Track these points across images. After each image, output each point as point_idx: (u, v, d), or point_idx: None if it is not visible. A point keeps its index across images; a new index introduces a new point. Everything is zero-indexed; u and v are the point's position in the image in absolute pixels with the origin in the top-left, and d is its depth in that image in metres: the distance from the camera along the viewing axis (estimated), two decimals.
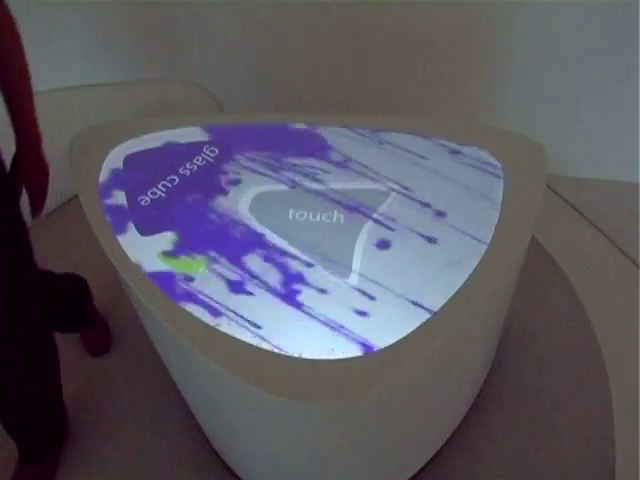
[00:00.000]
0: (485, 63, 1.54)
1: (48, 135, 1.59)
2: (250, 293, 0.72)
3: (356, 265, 0.74)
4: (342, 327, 0.67)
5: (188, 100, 1.78)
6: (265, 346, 0.65)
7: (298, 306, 0.70)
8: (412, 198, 0.84)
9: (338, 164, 0.90)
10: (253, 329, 0.68)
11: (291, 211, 0.83)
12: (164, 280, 0.73)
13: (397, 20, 1.51)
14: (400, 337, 0.65)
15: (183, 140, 0.96)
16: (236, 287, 0.73)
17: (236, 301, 0.71)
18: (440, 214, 0.81)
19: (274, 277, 0.74)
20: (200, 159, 0.93)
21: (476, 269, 0.71)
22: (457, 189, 0.84)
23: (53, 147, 1.56)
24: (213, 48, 1.70)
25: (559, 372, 1.13)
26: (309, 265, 0.75)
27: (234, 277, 0.74)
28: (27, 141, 0.78)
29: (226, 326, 0.68)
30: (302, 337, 0.67)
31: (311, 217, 0.82)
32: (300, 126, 0.97)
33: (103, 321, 1.25)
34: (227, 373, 0.63)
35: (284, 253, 0.77)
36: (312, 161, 0.91)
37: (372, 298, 0.70)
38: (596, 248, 1.44)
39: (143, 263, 0.75)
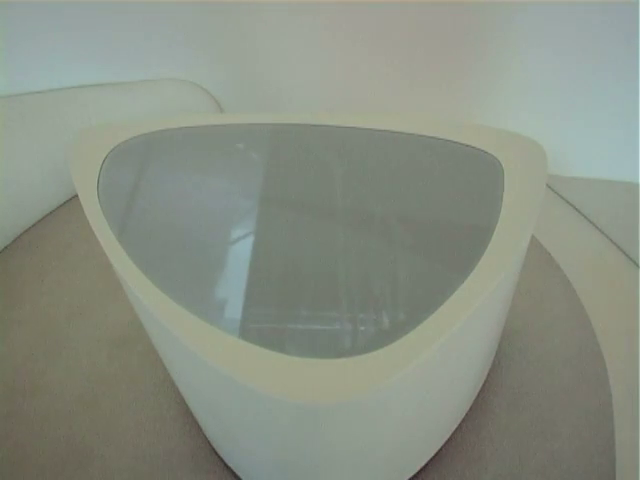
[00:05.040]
0: (485, 63, 1.54)
1: (48, 135, 1.60)
2: (250, 292, 0.72)
3: (355, 264, 0.74)
4: (342, 327, 0.67)
5: (188, 100, 1.78)
6: (265, 346, 0.65)
7: (298, 306, 0.70)
8: (411, 198, 0.84)
9: (336, 164, 0.90)
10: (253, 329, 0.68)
11: (288, 214, 0.83)
12: (164, 279, 0.73)
13: (397, 20, 1.51)
14: (400, 337, 0.65)
15: (183, 140, 0.96)
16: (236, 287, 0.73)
17: (236, 300, 0.71)
18: (439, 214, 0.81)
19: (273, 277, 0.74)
20: (202, 160, 0.93)
21: (476, 269, 0.71)
22: (456, 189, 0.84)
23: (53, 147, 1.57)
24: (213, 48, 1.71)
25: (559, 372, 1.13)
26: (308, 264, 0.75)
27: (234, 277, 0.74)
28: None
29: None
30: (302, 337, 0.67)
31: (310, 220, 0.81)
32: (298, 126, 0.97)
33: None
34: (226, 373, 0.63)
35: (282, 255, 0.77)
36: (311, 161, 0.91)
37: (371, 298, 0.70)
38: (596, 248, 1.44)
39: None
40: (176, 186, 0.90)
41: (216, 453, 1.03)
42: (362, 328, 0.67)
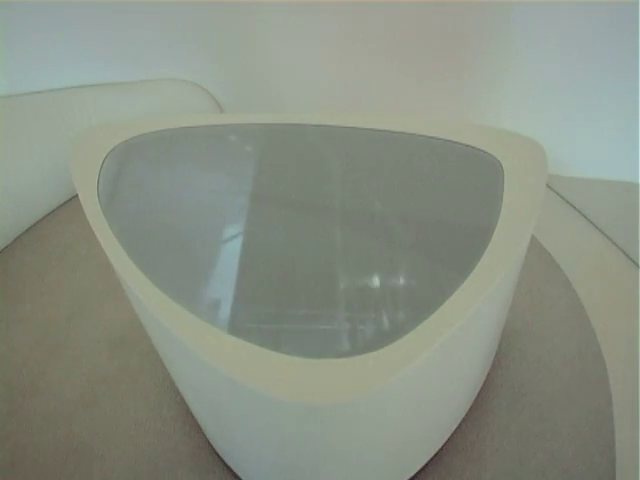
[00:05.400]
0: (485, 63, 1.54)
1: (48, 135, 1.60)
2: (250, 292, 0.72)
3: (355, 264, 0.74)
4: (342, 326, 0.67)
5: (188, 100, 1.78)
6: (265, 346, 0.65)
7: (298, 306, 0.70)
8: (411, 198, 0.84)
9: (336, 164, 0.90)
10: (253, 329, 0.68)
11: (288, 214, 0.83)
12: (164, 279, 0.73)
13: (397, 20, 1.51)
14: (400, 337, 0.65)
15: (183, 140, 0.96)
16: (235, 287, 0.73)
17: (236, 299, 0.71)
18: (439, 214, 0.81)
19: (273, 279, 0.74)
20: (202, 160, 0.93)
21: (476, 269, 0.71)
22: (456, 189, 0.84)
23: (53, 147, 1.57)
24: (213, 48, 1.71)
25: (559, 372, 1.13)
26: (308, 264, 0.75)
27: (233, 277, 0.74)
28: None
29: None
30: (302, 337, 0.67)
31: (310, 220, 0.81)
32: (298, 126, 0.97)
33: None
34: (226, 373, 0.63)
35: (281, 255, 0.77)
36: (311, 162, 0.91)
37: (371, 297, 0.70)
38: (596, 248, 1.44)
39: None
40: (176, 186, 0.90)
41: (216, 453, 1.03)
42: (362, 328, 0.67)
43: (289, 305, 0.71)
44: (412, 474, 0.97)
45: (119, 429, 1.08)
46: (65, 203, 1.67)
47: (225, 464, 1.01)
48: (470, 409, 1.06)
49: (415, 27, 1.52)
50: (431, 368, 0.70)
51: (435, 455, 0.99)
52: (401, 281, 0.72)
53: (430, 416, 0.87)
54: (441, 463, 0.99)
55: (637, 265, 1.37)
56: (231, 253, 0.78)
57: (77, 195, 0.86)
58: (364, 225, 0.80)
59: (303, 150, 0.94)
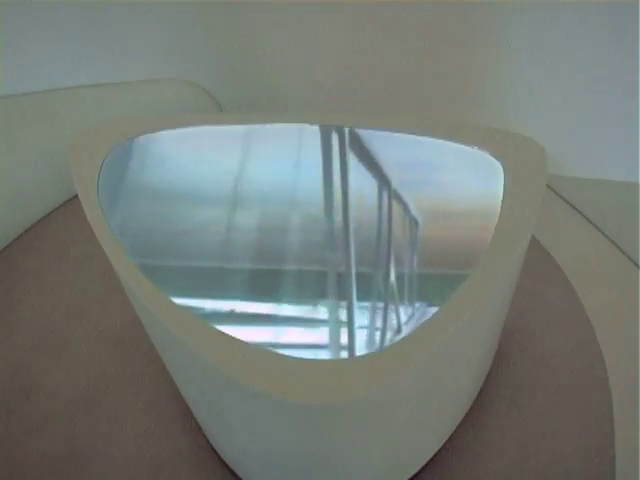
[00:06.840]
0: (485, 63, 1.54)
1: (48, 135, 1.60)
2: (250, 293, 0.72)
3: (356, 265, 0.75)
4: (342, 327, 0.67)
5: (188, 100, 1.78)
6: (265, 346, 0.65)
7: (298, 307, 0.70)
8: (411, 198, 0.84)
9: (336, 164, 0.90)
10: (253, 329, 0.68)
11: (288, 212, 0.83)
12: (164, 279, 0.73)
13: (398, 20, 1.51)
14: (400, 337, 0.65)
15: (183, 140, 0.96)
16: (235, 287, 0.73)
17: (236, 300, 0.71)
18: (439, 214, 0.81)
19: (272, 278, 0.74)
20: (201, 160, 0.93)
21: (476, 269, 0.71)
22: (456, 189, 0.84)
23: (53, 147, 1.57)
24: (213, 48, 1.71)
25: (559, 372, 1.13)
26: (309, 265, 0.75)
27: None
28: None
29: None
30: (303, 337, 0.67)
31: (311, 220, 0.81)
32: (299, 126, 0.97)
33: None
34: (227, 372, 0.63)
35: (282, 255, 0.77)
36: (311, 161, 0.91)
37: (371, 298, 0.70)
38: (596, 248, 1.44)
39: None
40: (176, 186, 0.90)
41: (216, 453, 1.03)
42: (362, 328, 0.67)
43: (290, 306, 0.71)
44: (412, 474, 0.97)
45: (119, 429, 1.08)
46: (65, 203, 1.67)
47: (225, 464, 1.01)
48: (470, 409, 1.06)
49: (416, 27, 1.52)
50: (431, 368, 0.70)
51: (435, 455, 0.99)
52: (401, 281, 0.72)
53: (430, 416, 0.87)
54: (441, 463, 0.99)
55: (637, 265, 1.37)
56: (231, 253, 0.78)
57: (77, 195, 0.86)
58: (364, 226, 0.80)
59: (303, 150, 0.94)
